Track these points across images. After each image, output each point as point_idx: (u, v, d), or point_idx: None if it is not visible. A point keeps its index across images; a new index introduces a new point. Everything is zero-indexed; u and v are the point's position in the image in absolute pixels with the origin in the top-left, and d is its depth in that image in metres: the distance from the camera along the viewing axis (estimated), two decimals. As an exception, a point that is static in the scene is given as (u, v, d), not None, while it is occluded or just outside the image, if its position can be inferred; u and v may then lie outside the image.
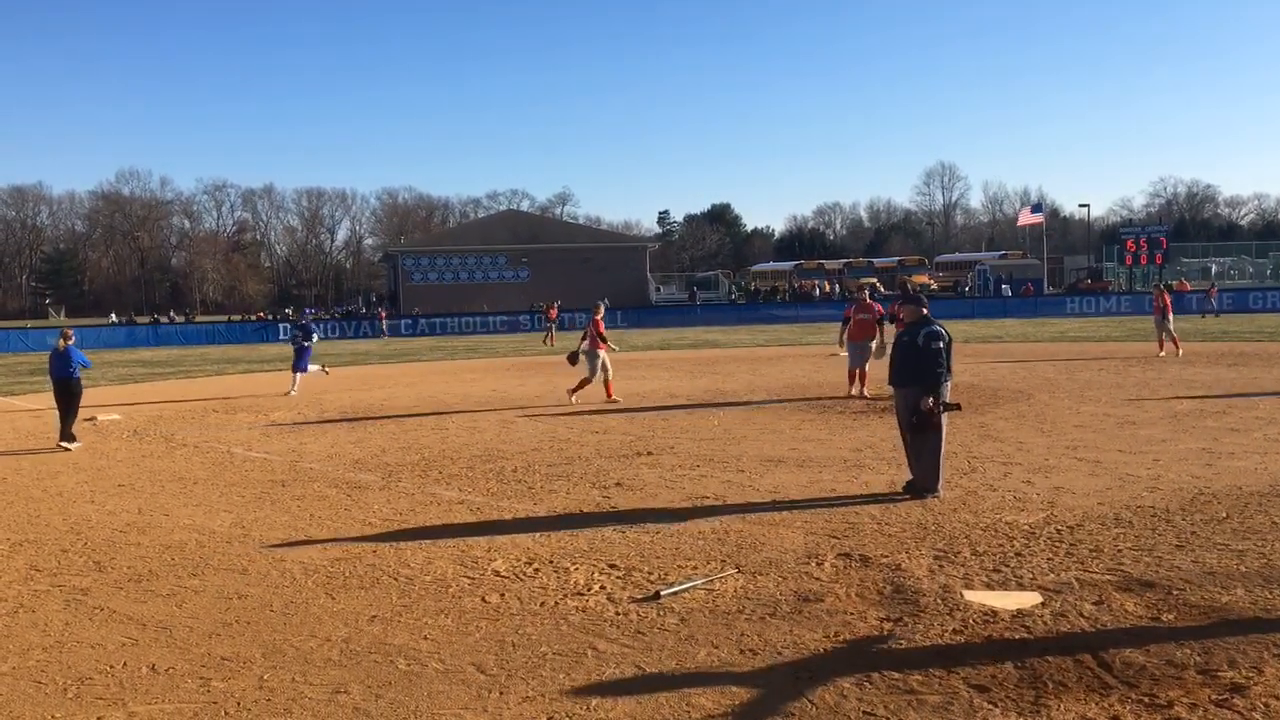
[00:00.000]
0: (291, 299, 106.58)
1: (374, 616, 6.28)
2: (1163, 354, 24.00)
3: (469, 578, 7.07)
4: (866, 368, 17.39)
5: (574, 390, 17.90)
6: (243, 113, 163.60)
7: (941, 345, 9.07)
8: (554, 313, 43.92)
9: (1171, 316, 24.53)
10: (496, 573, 7.17)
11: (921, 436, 9.10)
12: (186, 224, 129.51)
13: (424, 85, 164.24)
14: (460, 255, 70.69)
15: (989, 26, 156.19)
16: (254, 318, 72.18)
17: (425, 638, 5.86)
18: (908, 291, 10.87)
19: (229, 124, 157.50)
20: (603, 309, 18.73)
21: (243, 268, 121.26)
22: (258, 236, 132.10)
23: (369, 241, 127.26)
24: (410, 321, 58.15)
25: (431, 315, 58.98)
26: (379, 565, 7.48)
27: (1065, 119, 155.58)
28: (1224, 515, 8.10)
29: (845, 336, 18.03)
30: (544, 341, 40.24)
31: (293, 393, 20.96)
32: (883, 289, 64.06)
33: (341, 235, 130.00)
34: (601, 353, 17.71)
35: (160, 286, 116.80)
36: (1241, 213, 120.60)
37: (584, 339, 18.09)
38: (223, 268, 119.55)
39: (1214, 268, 78.10)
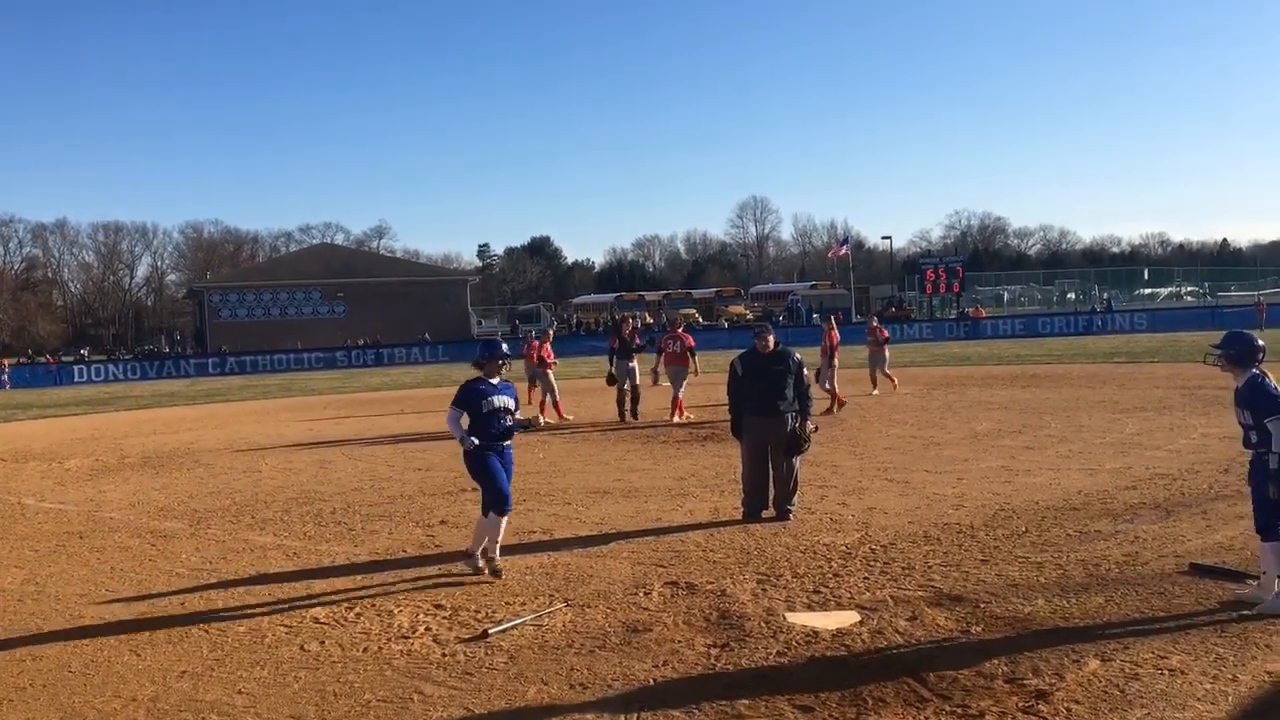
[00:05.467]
0: (88, 339, 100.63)
1: (183, 672, 5.94)
2: (876, 391, 21.60)
3: (286, 626, 6.79)
4: (681, 393, 18.41)
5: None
6: (32, 143, 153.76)
7: (805, 371, 9.68)
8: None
9: (887, 354, 22.07)
10: (316, 619, 6.91)
11: (789, 459, 9.48)
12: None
13: (230, 114, 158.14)
14: (272, 290, 68.31)
15: (796, 68, 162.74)
16: (46, 359, 67.68)
17: (240, 691, 5.58)
18: (767, 322, 11.35)
19: (15, 156, 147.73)
20: (550, 334, 21.41)
21: (33, 307, 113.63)
22: (49, 274, 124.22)
23: (172, 278, 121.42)
24: (218, 360, 55.76)
25: (241, 353, 56.76)
26: (188, 618, 7.09)
27: (868, 155, 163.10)
28: (1023, 529, 8.59)
29: (660, 365, 19.09)
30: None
31: None
32: (700, 319, 65.51)
33: (142, 271, 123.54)
34: (549, 373, 19.37)
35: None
36: (1029, 243, 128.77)
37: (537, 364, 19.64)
38: (10, 307, 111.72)
39: (1006, 295, 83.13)
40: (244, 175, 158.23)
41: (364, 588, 7.70)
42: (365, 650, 6.21)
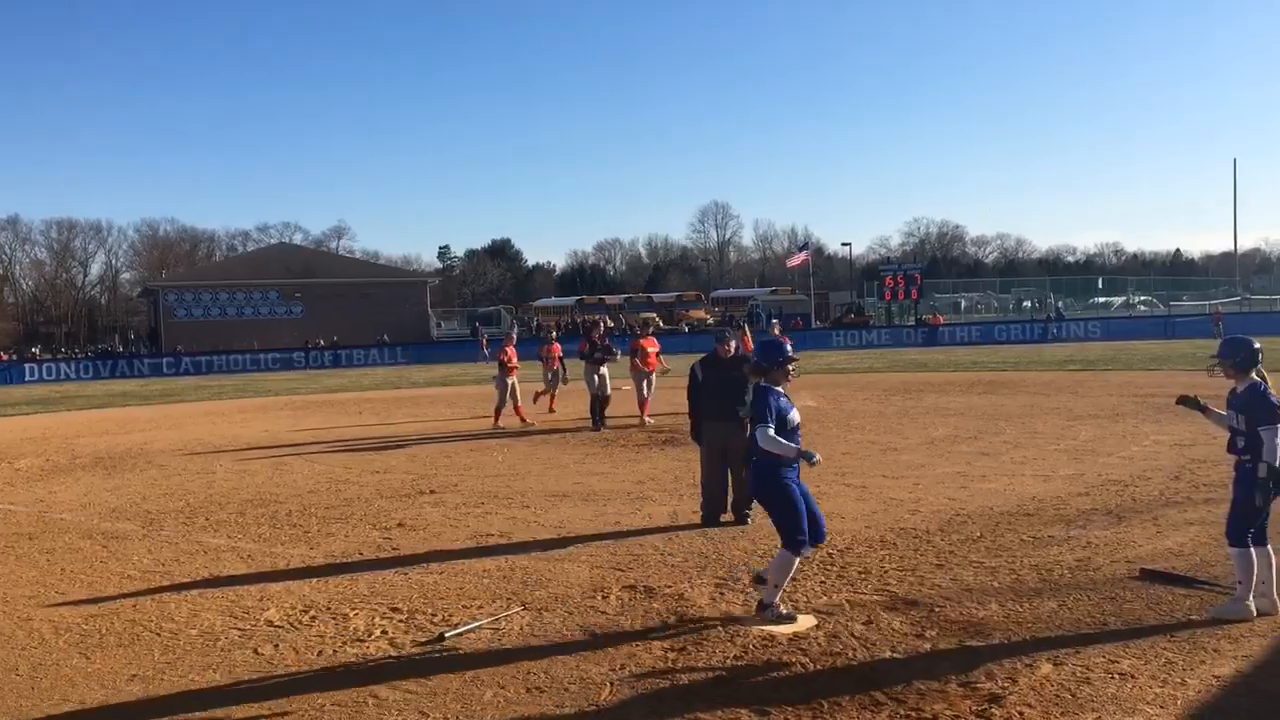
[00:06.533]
0: (40, 337, 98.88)
1: (134, 676, 5.85)
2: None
3: (240, 629, 6.71)
4: (648, 395, 18.42)
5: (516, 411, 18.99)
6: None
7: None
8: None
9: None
10: (270, 623, 6.84)
11: (748, 465, 9.45)
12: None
13: (186, 111, 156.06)
14: (228, 290, 67.46)
15: (759, 75, 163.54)
16: (-3, 357, 66.47)
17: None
18: (729, 327, 11.22)
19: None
20: (514, 336, 20.98)
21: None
22: (0, 271, 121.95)
23: (127, 276, 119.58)
24: (173, 360, 55.02)
25: (196, 353, 56.01)
26: (139, 621, 7.00)
27: (828, 162, 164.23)
28: (978, 535, 8.67)
29: (630, 369, 18.68)
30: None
31: None
32: (661, 323, 65.55)
33: (96, 269, 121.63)
34: (511, 378, 18.83)
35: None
36: (986, 251, 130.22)
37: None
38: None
39: (963, 302, 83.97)
40: (201, 173, 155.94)
41: (319, 591, 7.62)
42: (320, 654, 6.15)
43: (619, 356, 19.06)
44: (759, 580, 6.57)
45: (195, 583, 8.05)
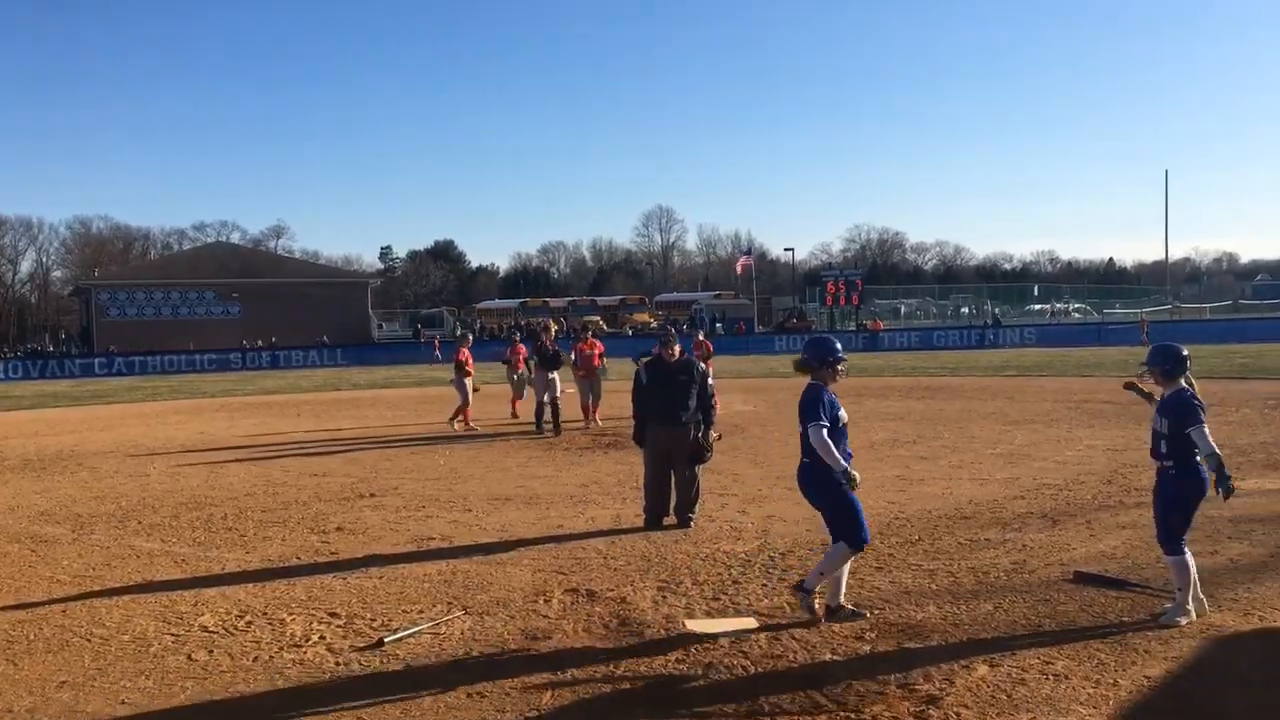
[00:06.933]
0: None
1: (63, 682, 5.71)
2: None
3: (173, 635, 6.58)
4: (597, 399, 18.47)
5: (453, 417, 18.81)
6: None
7: (709, 380, 9.74)
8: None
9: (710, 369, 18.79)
10: (204, 628, 6.71)
11: (691, 469, 9.56)
12: None
13: (120, 107, 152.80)
14: (163, 289, 66.07)
15: (704, 82, 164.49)
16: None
17: (123, 702, 5.39)
18: (668, 330, 11.11)
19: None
20: (470, 338, 21.46)
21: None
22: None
23: (58, 274, 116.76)
24: (105, 360, 53.87)
25: (130, 354, 54.88)
26: (69, 626, 6.83)
27: (771, 169, 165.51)
28: (917, 538, 8.78)
29: (574, 372, 18.66)
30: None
31: None
32: (604, 326, 65.55)
33: (26, 267, 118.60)
34: (468, 379, 18.75)
35: None
36: (926, 258, 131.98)
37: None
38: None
39: (903, 308, 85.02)
40: (136, 171, 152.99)
41: (255, 596, 7.50)
42: (256, 660, 6.05)
43: (566, 361, 18.90)
44: (802, 590, 6.53)
45: (127, 588, 7.88)
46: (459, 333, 33.68)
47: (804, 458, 6.54)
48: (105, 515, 11.04)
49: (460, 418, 18.75)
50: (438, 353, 50.46)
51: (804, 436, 6.42)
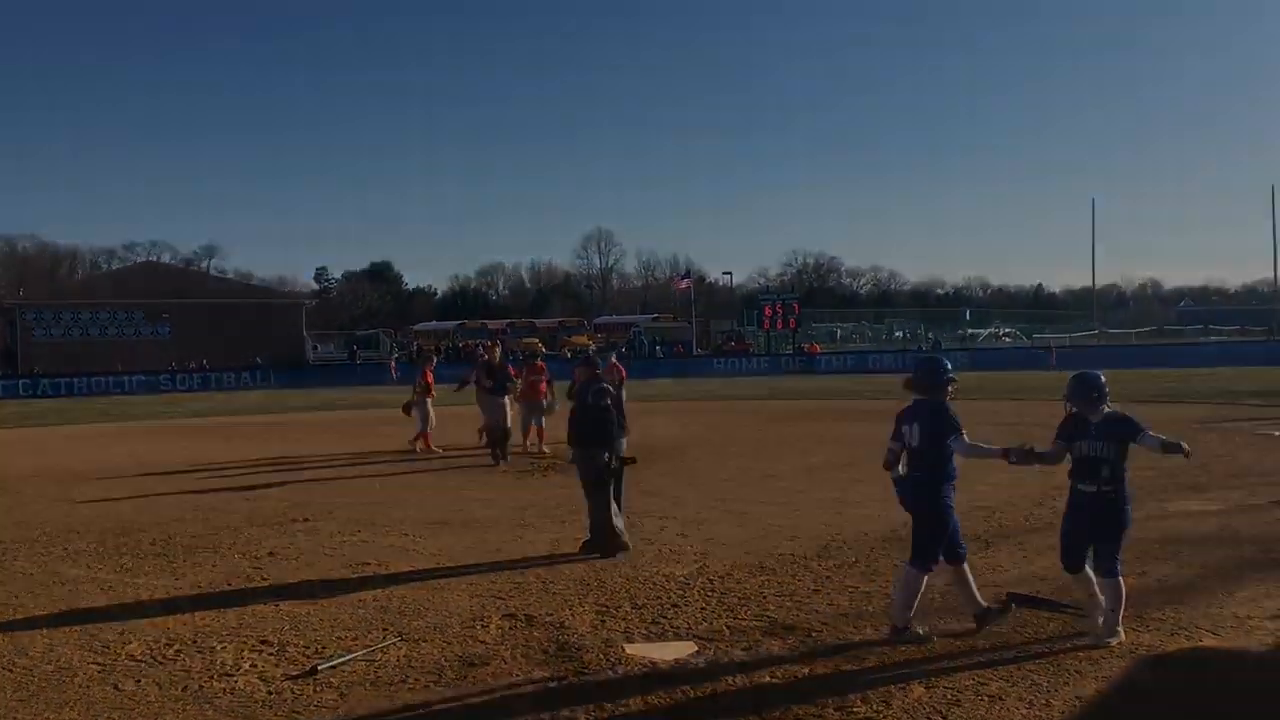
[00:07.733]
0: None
1: (-19, 717, 5.53)
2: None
3: (99, 664, 6.40)
4: (542, 424, 17.57)
5: (415, 439, 18.60)
6: None
7: (609, 402, 9.57)
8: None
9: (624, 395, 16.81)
10: (131, 656, 6.54)
11: (599, 493, 9.39)
12: None
13: (48, 121, 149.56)
14: (91, 309, 64.64)
15: (641, 105, 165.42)
16: None
17: (45, 737, 5.23)
18: (587, 354, 11.13)
19: None
20: (434, 361, 21.41)
21: None
22: None
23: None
24: (30, 382, 52.49)
25: (56, 375, 53.55)
26: (-12, 658, 6.62)
27: (710, 194, 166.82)
28: (853, 560, 8.85)
29: (518, 394, 18.07)
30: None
31: None
32: (544, 348, 65.33)
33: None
34: (429, 400, 18.53)
35: None
36: (861, 283, 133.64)
37: (415, 390, 18.94)
38: None
39: (839, 332, 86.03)
40: (64, 189, 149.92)
41: (184, 624, 7.33)
42: (185, 689, 5.91)
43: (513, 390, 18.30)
44: (897, 632, 6.52)
45: (51, 615, 7.66)
46: (419, 354, 33.34)
47: (914, 472, 6.68)
48: (28, 541, 10.73)
49: (421, 439, 18.50)
50: (393, 373, 50.09)
51: (920, 453, 6.60)
